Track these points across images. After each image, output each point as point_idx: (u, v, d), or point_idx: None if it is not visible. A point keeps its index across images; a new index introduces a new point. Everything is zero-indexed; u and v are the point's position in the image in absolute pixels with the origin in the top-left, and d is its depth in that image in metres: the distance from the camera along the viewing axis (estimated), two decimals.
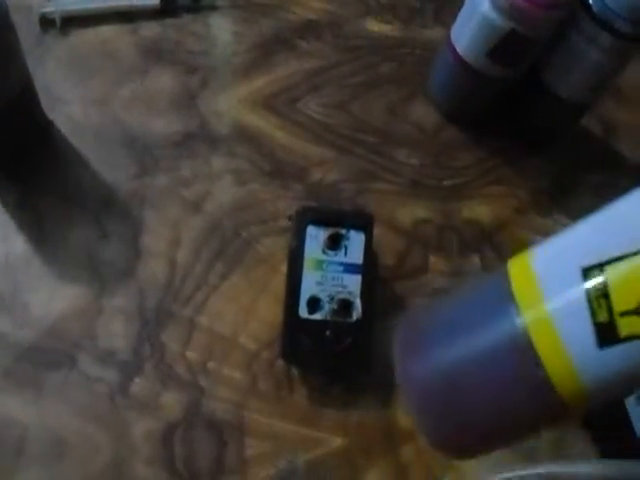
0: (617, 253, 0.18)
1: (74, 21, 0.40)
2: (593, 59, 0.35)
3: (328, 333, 0.29)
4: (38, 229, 0.33)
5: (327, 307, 0.30)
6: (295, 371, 0.31)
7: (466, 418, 0.20)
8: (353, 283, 0.30)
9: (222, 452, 0.29)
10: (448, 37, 0.38)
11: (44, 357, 0.30)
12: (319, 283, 0.30)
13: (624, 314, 0.18)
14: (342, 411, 0.31)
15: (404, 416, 0.31)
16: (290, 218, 0.32)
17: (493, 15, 0.34)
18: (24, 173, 0.34)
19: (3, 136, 0.33)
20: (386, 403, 0.32)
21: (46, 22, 0.39)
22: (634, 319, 0.17)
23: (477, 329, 0.20)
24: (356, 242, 0.30)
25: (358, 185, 0.38)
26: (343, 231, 0.30)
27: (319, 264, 0.30)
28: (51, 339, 0.30)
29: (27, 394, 0.29)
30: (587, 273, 0.18)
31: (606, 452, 0.32)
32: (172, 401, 0.30)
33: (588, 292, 0.18)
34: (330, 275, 0.30)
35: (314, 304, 0.30)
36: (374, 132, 0.40)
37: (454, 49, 0.37)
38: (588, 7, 0.34)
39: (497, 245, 0.37)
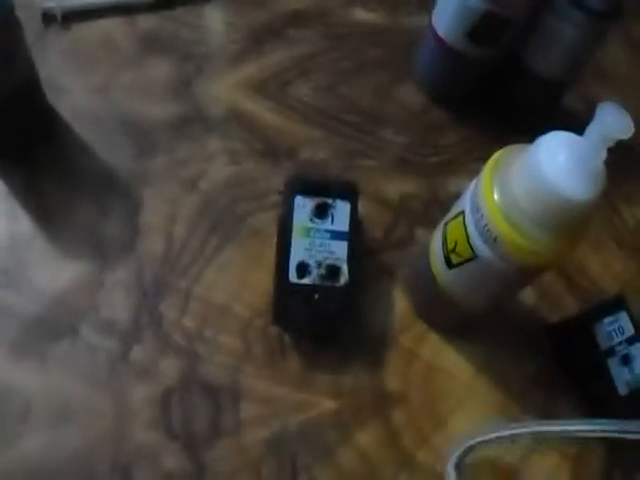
0: (450, 217, 0.30)
1: (74, 16, 0.42)
2: (568, 37, 0.36)
3: (317, 297, 0.30)
4: (43, 209, 0.35)
5: (315, 272, 0.31)
6: (287, 337, 0.33)
7: (419, 297, 0.35)
8: (340, 249, 0.31)
9: (218, 415, 0.30)
10: (430, 21, 0.40)
11: (49, 328, 0.31)
12: (307, 249, 0.31)
13: (451, 252, 0.29)
14: (334, 375, 0.32)
15: (394, 379, 0.33)
16: (280, 192, 0.33)
17: None
18: (30, 157, 0.36)
19: (10, 123, 0.34)
20: (376, 367, 0.33)
21: (48, 17, 0.41)
22: (454, 255, 0.29)
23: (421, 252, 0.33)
24: (342, 210, 0.32)
25: (346, 162, 0.39)
26: (329, 200, 0.32)
27: (307, 231, 0.31)
28: (55, 311, 0.32)
29: (33, 363, 0.30)
30: (444, 226, 0.30)
31: (592, 414, 0.33)
32: (170, 367, 0.31)
33: (440, 236, 0.30)
34: (318, 242, 0.31)
35: (303, 269, 0.31)
36: (361, 113, 0.42)
37: (435, 32, 0.39)
38: None
39: None
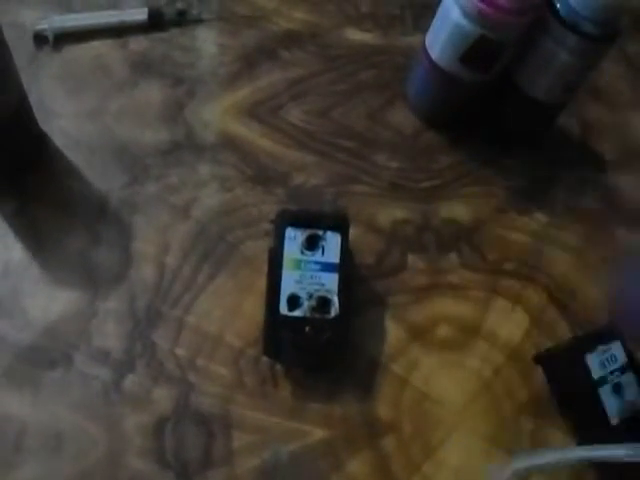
0: None
1: (66, 37, 0.41)
2: (562, 60, 0.36)
3: (307, 329, 0.30)
4: (35, 237, 0.35)
5: (306, 304, 0.31)
6: (279, 367, 0.33)
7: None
8: (330, 281, 0.31)
9: (210, 444, 0.30)
10: (423, 44, 0.39)
11: (42, 357, 0.31)
12: (298, 282, 0.31)
13: None
14: (325, 404, 0.32)
15: (385, 407, 0.33)
16: (272, 221, 0.34)
17: (463, 22, 0.35)
18: (21, 184, 0.36)
19: (1, 149, 0.34)
20: (367, 396, 0.33)
21: (40, 39, 0.41)
22: None
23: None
24: (332, 242, 0.32)
25: (338, 188, 0.39)
26: (320, 232, 0.32)
27: (298, 264, 0.31)
28: (48, 340, 0.32)
29: (26, 392, 0.30)
30: None
31: (584, 442, 0.33)
32: (162, 396, 0.31)
33: None
34: (308, 274, 0.31)
35: (294, 302, 0.31)
36: (354, 137, 0.42)
37: (428, 55, 0.39)
38: (555, 11, 0.35)
39: (475, 243, 0.39)
